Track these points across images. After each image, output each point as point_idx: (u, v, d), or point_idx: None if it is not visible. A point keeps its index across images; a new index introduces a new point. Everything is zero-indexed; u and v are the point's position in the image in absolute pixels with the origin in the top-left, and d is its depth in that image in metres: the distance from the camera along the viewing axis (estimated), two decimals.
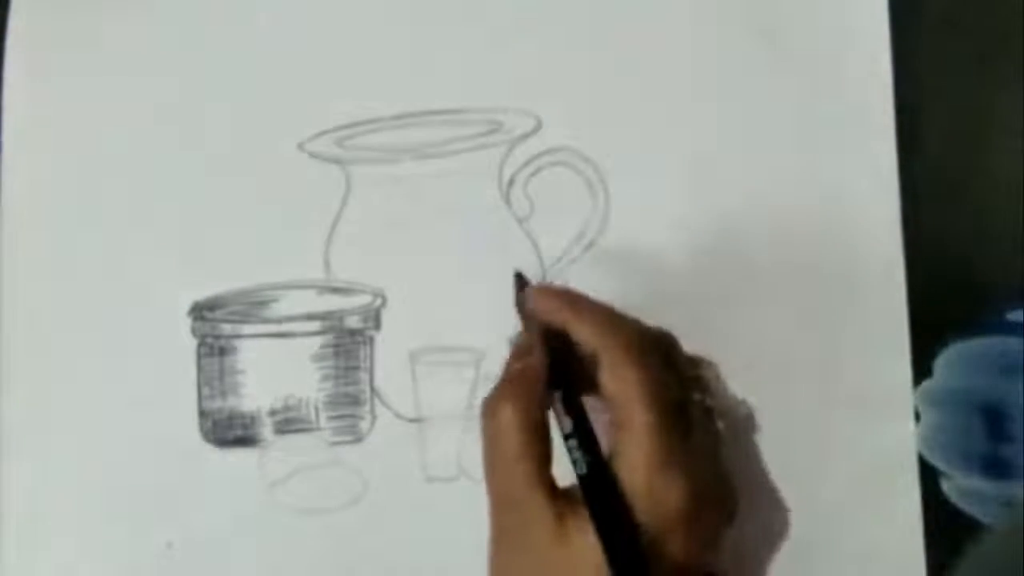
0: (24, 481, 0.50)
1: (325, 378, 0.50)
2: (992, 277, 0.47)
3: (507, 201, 0.50)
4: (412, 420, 0.49)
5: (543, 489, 0.39)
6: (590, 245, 0.49)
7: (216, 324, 0.50)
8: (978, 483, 0.43)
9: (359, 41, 0.52)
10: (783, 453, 0.47)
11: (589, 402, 0.40)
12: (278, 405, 0.50)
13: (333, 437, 0.50)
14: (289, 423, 0.50)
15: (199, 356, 0.51)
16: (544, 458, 0.39)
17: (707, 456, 0.40)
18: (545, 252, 0.49)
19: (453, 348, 0.49)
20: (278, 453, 0.50)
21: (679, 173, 0.49)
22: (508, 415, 0.39)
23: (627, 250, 0.49)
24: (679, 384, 0.40)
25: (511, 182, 0.50)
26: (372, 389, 0.50)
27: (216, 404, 0.50)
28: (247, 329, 0.50)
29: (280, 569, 0.49)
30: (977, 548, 0.37)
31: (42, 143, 0.52)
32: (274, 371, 0.50)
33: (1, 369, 0.51)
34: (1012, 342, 0.43)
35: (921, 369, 0.46)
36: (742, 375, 0.47)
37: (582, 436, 0.38)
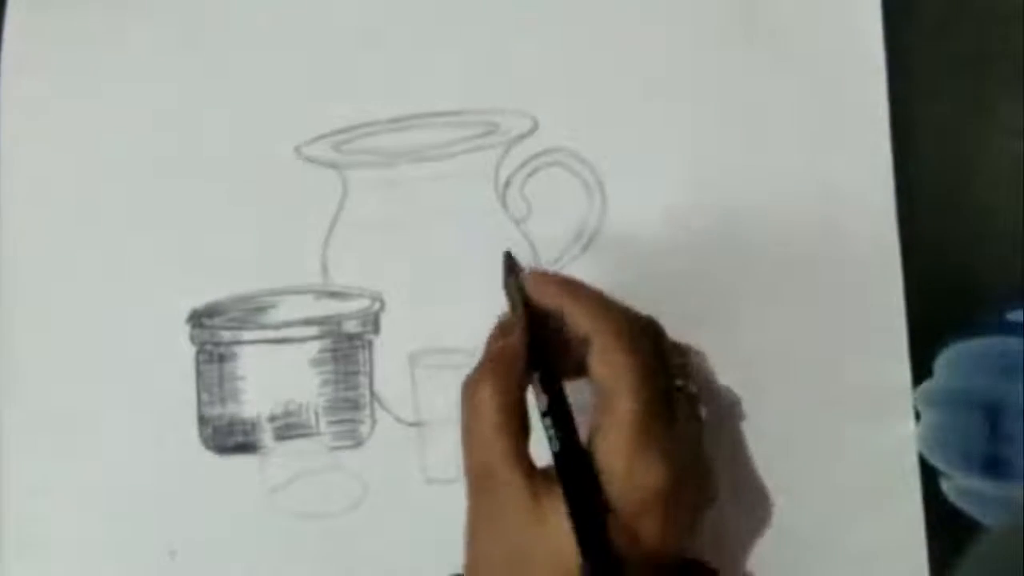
0: (24, 490, 0.50)
1: (324, 383, 0.50)
2: (992, 277, 0.47)
3: (504, 203, 0.50)
4: (412, 424, 0.49)
5: (520, 467, 0.39)
6: (587, 245, 0.49)
7: (215, 331, 0.50)
8: (978, 483, 0.43)
9: (354, 45, 0.52)
10: (783, 454, 0.47)
11: (573, 385, 0.41)
12: (278, 411, 0.50)
13: (333, 442, 0.50)
14: (289, 429, 0.50)
15: (198, 363, 0.50)
16: (521, 436, 0.40)
17: (689, 441, 0.40)
18: (543, 253, 0.49)
19: (452, 350, 0.48)
20: (278, 459, 0.50)
21: (676, 172, 0.49)
22: (485, 393, 0.40)
23: (625, 250, 0.49)
24: (666, 371, 0.41)
25: (508, 183, 0.50)
26: (372, 393, 0.50)
27: (216, 411, 0.50)
28: (246, 335, 0.50)
29: (282, 574, 0.49)
30: (977, 548, 0.36)
31: (39, 148, 0.53)
32: (273, 377, 0.50)
33: (2, 377, 0.51)
34: (1012, 342, 0.42)
35: (921, 369, 0.46)
36: (739, 374, 0.47)
37: (557, 414, 0.39)
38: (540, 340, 0.41)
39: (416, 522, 0.48)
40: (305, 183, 0.51)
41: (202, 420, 0.50)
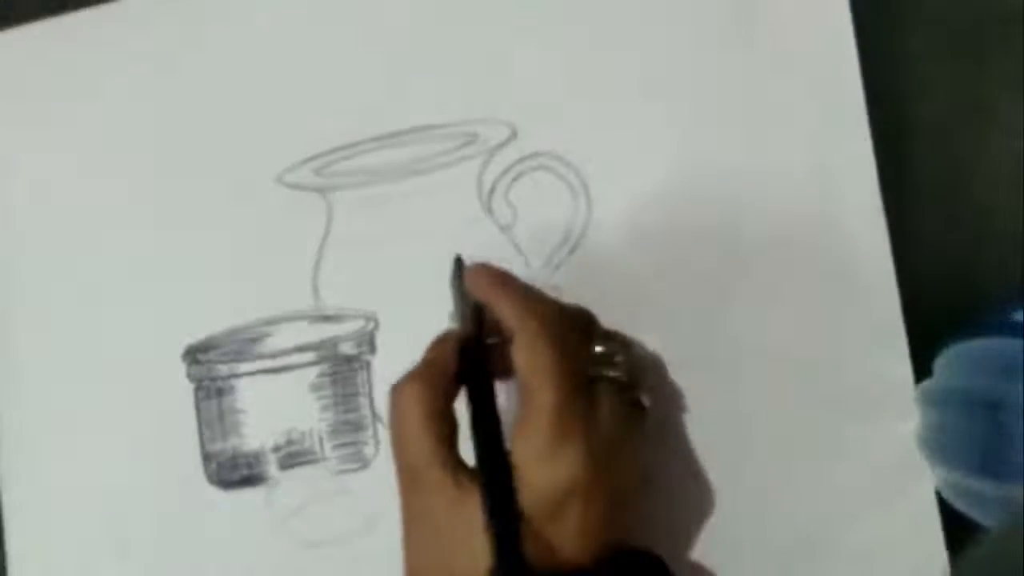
0: (29, 538, 0.50)
1: (325, 408, 0.50)
2: (992, 277, 0.47)
3: (489, 211, 0.50)
4: None
5: (446, 468, 0.40)
6: (575, 247, 0.49)
7: (211, 366, 0.50)
8: (978, 483, 0.43)
9: (328, 69, 0.52)
10: (783, 454, 0.47)
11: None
12: (281, 440, 0.50)
13: (339, 466, 0.49)
14: (293, 457, 0.50)
15: (197, 399, 0.50)
16: (447, 439, 0.40)
17: (612, 429, 0.40)
18: (532, 259, 0.49)
19: None
20: (285, 488, 0.49)
21: (660, 171, 0.49)
22: (411, 399, 0.40)
23: (613, 251, 0.49)
24: (592, 361, 0.41)
25: (492, 191, 0.50)
26: (373, 414, 0.49)
27: (218, 446, 0.50)
28: (242, 367, 0.50)
29: None
30: (977, 549, 0.36)
31: (17, 187, 0.53)
32: (273, 406, 0.50)
33: (2, 432, 0.51)
34: (1012, 342, 0.42)
35: (921, 369, 0.46)
36: (737, 374, 0.47)
37: (481, 424, 0.39)
38: (476, 348, 0.41)
39: None
40: (289, 209, 0.51)
41: (206, 457, 0.50)
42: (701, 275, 0.48)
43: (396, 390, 0.41)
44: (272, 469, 0.50)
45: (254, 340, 0.50)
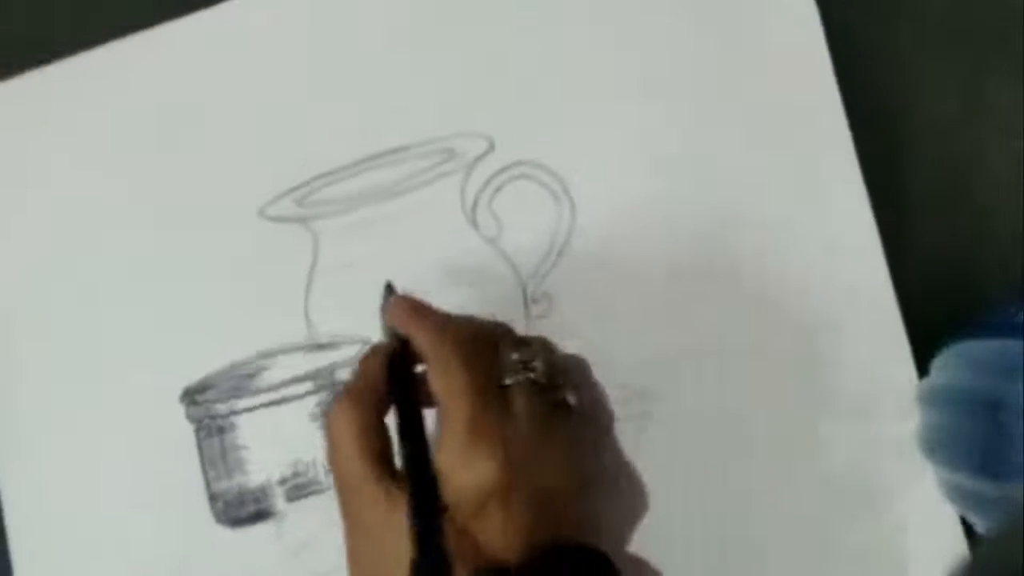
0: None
1: None
2: (992, 277, 0.47)
3: (474, 224, 0.50)
4: None
5: (381, 483, 0.40)
6: (561, 253, 0.49)
7: (209, 405, 0.50)
8: (978, 483, 0.43)
9: (301, 97, 0.52)
10: (783, 454, 0.47)
11: None
12: (287, 473, 0.49)
13: None
14: (300, 489, 0.49)
15: (199, 440, 0.50)
16: (380, 454, 0.41)
17: (532, 430, 0.41)
18: (522, 268, 0.49)
19: None
20: (294, 520, 0.49)
21: (640, 175, 0.49)
22: (339, 421, 0.41)
23: (600, 256, 0.49)
24: (509, 368, 0.42)
25: (475, 204, 0.50)
26: None
27: (224, 485, 0.50)
28: (241, 404, 0.50)
29: None
30: (977, 550, 0.36)
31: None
32: (276, 440, 0.50)
33: (3, 480, 0.50)
34: (1012, 342, 0.42)
35: (921, 369, 0.46)
36: (734, 373, 0.47)
37: (407, 435, 0.41)
38: (403, 360, 0.43)
39: None
40: (275, 242, 0.50)
41: (212, 497, 0.50)
42: (691, 276, 0.48)
43: (329, 413, 0.42)
44: (279, 502, 0.49)
45: (251, 375, 0.50)
